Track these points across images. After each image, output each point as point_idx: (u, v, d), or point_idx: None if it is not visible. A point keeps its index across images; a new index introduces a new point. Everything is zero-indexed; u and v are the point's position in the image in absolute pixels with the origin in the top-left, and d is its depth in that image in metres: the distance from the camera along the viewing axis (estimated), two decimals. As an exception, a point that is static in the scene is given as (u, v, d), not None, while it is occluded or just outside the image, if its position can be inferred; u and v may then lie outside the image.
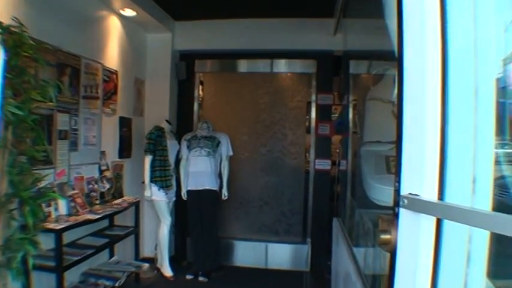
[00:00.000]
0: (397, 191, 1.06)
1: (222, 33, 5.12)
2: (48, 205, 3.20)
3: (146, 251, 5.04)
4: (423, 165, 0.98)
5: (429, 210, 0.95)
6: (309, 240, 5.20)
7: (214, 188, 4.56)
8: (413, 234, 0.99)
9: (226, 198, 4.72)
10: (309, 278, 4.97)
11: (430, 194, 0.97)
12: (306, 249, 5.15)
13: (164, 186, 4.44)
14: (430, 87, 1.00)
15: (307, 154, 5.72)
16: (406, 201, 1.01)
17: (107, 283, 3.62)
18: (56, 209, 3.29)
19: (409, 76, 1.05)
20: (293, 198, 5.35)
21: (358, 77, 3.64)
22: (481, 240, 0.97)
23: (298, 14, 4.77)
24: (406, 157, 1.04)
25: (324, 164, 5.19)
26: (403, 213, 1.02)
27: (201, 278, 4.54)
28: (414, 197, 0.99)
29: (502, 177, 1.21)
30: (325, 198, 5.23)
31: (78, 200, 3.55)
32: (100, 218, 3.49)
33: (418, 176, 1.00)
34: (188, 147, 4.61)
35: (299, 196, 5.34)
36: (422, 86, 1.01)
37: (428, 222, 0.96)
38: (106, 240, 3.76)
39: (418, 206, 0.97)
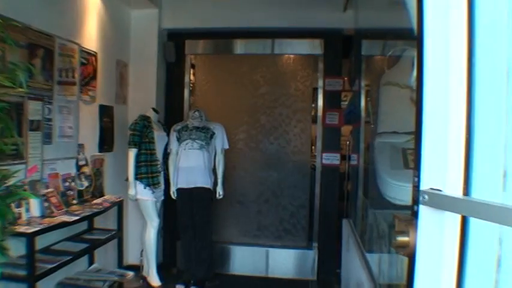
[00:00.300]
0: (417, 186, 1.07)
1: (216, 9, 5.09)
2: (19, 205, 3.19)
3: (131, 258, 5.05)
4: (446, 157, 0.98)
5: (453, 206, 0.95)
6: (315, 244, 5.22)
7: (208, 186, 4.56)
8: (435, 235, 0.99)
9: (221, 197, 4.72)
10: (316, 287, 4.99)
11: (454, 188, 0.97)
12: (312, 255, 5.17)
13: (151, 183, 4.44)
14: (455, 68, 0.99)
15: (313, 147, 5.72)
16: (426, 197, 1.01)
17: (87, 294, 3.64)
18: (28, 210, 3.29)
19: (430, 57, 1.05)
20: (297, 197, 5.36)
21: (372, 58, 3.64)
22: (513, 242, 0.97)
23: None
24: (427, 147, 1.04)
25: (333, 159, 5.19)
26: (423, 210, 1.02)
27: (193, 288, 4.56)
28: (436, 192, 0.99)
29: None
30: (334, 197, 5.25)
31: (53, 200, 3.55)
32: (78, 220, 3.48)
33: (440, 169, 0.99)
34: (178, 139, 4.60)
35: (304, 195, 5.35)
36: (445, 67, 1.01)
37: (453, 221, 0.96)
38: (85, 245, 3.76)
39: (441, 202, 0.97)
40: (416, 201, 1.06)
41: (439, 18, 1.03)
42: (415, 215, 1.07)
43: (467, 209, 0.93)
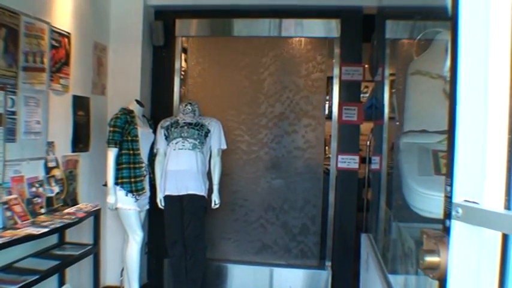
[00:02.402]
0: (449, 197, 1.06)
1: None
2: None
3: (109, 278, 5.06)
4: (484, 163, 0.97)
5: (493, 223, 0.94)
6: (328, 264, 5.22)
7: (201, 193, 4.56)
8: (470, 256, 0.99)
9: (217, 206, 4.72)
10: (329, 314, 5.00)
11: (493, 201, 0.96)
12: (324, 275, 5.16)
13: (134, 189, 4.44)
14: (496, 56, 0.98)
15: (326, 148, 5.72)
16: (460, 211, 1.00)
17: (56, 320, 3.64)
18: (-14, 220, 3.31)
19: (467, 41, 1.04)
20: (307, 206, 5.35)
21: (398, 43, 3.63)
22: None
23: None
24: (461, 150, 1.03)
25: (350, 161, 5.19)
26: (456, 227, 1.02)
27: (182, 314, 4.56)
28: (472, 205, 0.98)
29: None
30: (351, 208, 5.24)
31: (17, 208, 3.54)
32: (46, 232, 3.47)
33: (477, 178, 0.98)
34: (167, 137, 4.60)
35: (315, 204, 5.34)
36: (484, 54, 1.00)
37: (492, 240, 0.95)
38: (54, 262, 3.76)
39: (478, 217, 0.96)
40: (448, 215, 1.06)
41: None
42: (446, 231, 1.06)
43: (509, 226, 0.92)
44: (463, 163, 1.03)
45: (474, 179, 0.99)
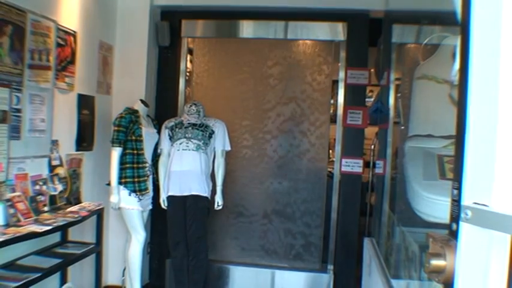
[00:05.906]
0: (457, 200, 1.05)
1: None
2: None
3: (111, 277, 5.05)
4: (494, 165, 0.97)
5: (502, 225, 0.93)
6: (330, 267, 5.21)
7: (205, 194, 4.56)
8: (479, 259, 0.98)
9: (220, 207, 4.72)
10: (330, 318, 4.98)
11: (503, 203, 0.95)
12: (326, 279, 5.15)
13: (137, 189, 4.44)
14: (508, 57, 0.98)
15: (330, 151, 5.70)
16: (469, 213, 0.99)
17: (57, 318, 3.64)
18: (-12, 217, 3.30)
19: (478, 45, 1.03)
20: (310, 209, 5.34)
21: (404, 47, 3.63)
22: None
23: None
24: (471, 153, 1.02)
25: (354, 165, 5.18)
26: (465, 229, 1.01)
27: (183, 315, 4.56)
28: (482, 207, 0.98)
29: None
30: (354, 211, 5.23)
31: (20, 206, 3.54)
32: (49, 230, 3.48)
33: (486, 180, 0.98)
34: (171, 137, 4.60)
35: (318, 207, 5.33)
36: (495, 58, 0.99)
37: (501, 242, 0.95)
38: (57, 260, 3.76)
39: (487, 220, 0.96)
40: (456, 219, 1.05)
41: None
42: (454, 234, 1.06)
43: (519, 229, 0.92)
44: (472, 165, 1.02)
45: (483, 181, 0.99)
